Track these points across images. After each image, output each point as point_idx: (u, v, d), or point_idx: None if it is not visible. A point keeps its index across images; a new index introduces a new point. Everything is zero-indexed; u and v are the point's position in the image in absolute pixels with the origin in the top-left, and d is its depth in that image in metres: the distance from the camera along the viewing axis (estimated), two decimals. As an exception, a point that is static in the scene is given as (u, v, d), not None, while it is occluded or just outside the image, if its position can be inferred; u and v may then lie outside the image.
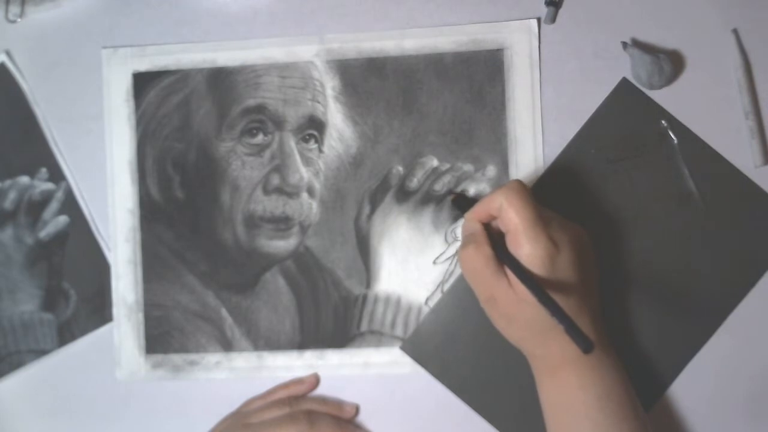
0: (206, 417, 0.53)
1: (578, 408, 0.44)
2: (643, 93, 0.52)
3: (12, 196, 0.56)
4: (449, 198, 0.52)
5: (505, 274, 0.43)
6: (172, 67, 0.55)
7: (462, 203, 0.50)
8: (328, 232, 0.54)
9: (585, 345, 0.37)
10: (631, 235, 0.51)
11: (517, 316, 0.44)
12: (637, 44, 0.52)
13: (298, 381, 0.53)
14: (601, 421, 0.44)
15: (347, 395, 0.53)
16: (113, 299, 0.55)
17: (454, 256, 0.53)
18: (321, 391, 0.54)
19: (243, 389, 0.54)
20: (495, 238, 0.44)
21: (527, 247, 0.42)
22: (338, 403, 0.53)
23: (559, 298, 0.41)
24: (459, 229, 0.53)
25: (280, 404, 0.52)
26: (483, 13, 0.53)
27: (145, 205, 0.55)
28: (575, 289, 0.43)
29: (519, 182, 0.44)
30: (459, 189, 0.53)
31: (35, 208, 0.56)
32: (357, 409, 0.53)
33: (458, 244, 0.53)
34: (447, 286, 0.52)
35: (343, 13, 0.54)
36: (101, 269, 0.55)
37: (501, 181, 0.52)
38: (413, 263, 0.53)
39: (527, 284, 0.40)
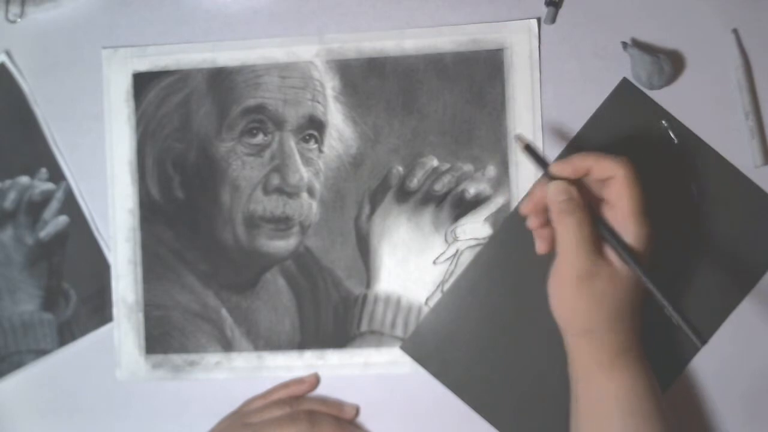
0: (206, 417, 0.53)
1: (626, 399, 0.43)
2: (643, 93, 0.52)
3: (12, 196, 0.56)
4: (519, 143, 0.47)
5: (604, 251, 0.42)
6: (172, 67, 0.55)
7: (536, 155, 0.46)
8: (328, 232, 0.54)
9: (701, 337, 0.37)
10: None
11: (607, 297, 0.42)
12: (637, 44, 0.52)
13: (298, 381, 0.53)
14: (651, 412, 0.43)
15: (347, 395, 0.53)
16: (113, 299, 0.55)
17: (454, 255, 0.53)
18: (321, 391, 0.54)
19: (243, 389, 0.54)
20: (591, 209, 0.43)
21: (634, 227, 0.42)
22: (339, 404, 0.53)
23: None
24: (459, 229, 0.53)
25: (280, 404, 0.52)
26: (483, 13, 0.53)
27: (145, 205, 0.55)
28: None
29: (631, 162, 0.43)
30: (459, 189, 0.53)
31: (35, 208, 0.56)
32: (357, 411, 0.53)
33: (458, 243, 0.53)
34: (447, 286, 0.52)
35: (343, 13, 0.54)
36: (101, 269, 0.55)
37: (501, 181, 0.52)
38: (413, 263, 0.53)
39: (633, 264, 0.40)
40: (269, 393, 0.53)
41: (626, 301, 0.42)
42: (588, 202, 0.44)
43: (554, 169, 0.44)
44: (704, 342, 0.37)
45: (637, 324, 0.44)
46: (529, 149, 0.46)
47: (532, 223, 0.46)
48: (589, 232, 0.42)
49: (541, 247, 0.46)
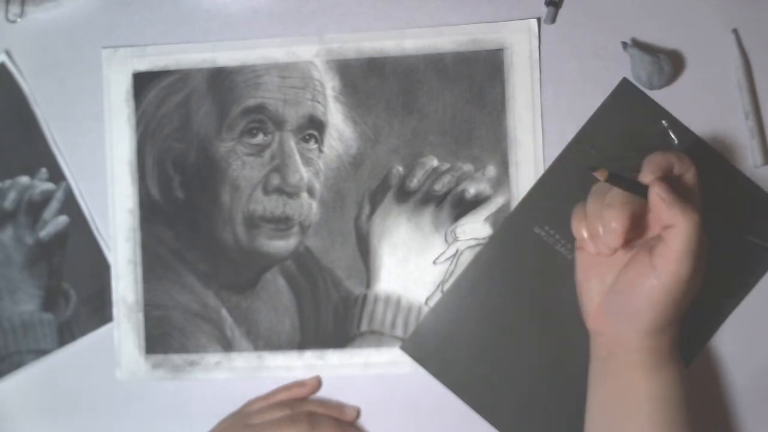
0: (206, 417, 0.53)
1: (675, 402, 0.44)
2: (643, 93, 0.52)
3: (12, 196, 0.56)
4: (600, 176, 0.42)
5: None
6: (172, 67, 0.55)
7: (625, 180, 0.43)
8: (328, 232, 0.54)
9: None
10: (631, 235, 0.51)
11: (693, 293, 0.43)
12: (637, 44, 0.52)
13: (299, 383, 0.53)
14: (689, 411, 0.44)
15: (347, 395, 0.53)
16: (113, 299, 0.55)
17: (454, 256, 0.53)
18: (321, 391, 0.54)
19: (243, 389, 0.54)
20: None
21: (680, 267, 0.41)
22: (339, 406, 0.53)
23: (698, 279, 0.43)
24: (459, 229, 0.53)
25: (281, 406, 0.52)
26: (483, 13, 0.53)
27: (145, 205, 0.55)
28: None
29: None
30: (459, 189, 0.53)
31: (35, 208, 0.56)
32: (358, 413, 0.53)
33: (458, 243, 0.53)
34: (447, 286, 0.52)
35: (343, 13, 0.54)
36: (101, 269, 0.55)
37: (501, 181, 0.52)
38: (413, 263, 0.53)
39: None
40: (270, 395, 0.53)
41: (673, 312, 0.43)
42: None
43: (654, 161, 0.43)
44: None
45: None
46: (615, 177, 0.42)
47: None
48: (703, 231, 0.41)
49: (614, 242, 0.42)
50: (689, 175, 0.44)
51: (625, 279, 0.43)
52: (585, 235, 0.43)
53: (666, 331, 0.44)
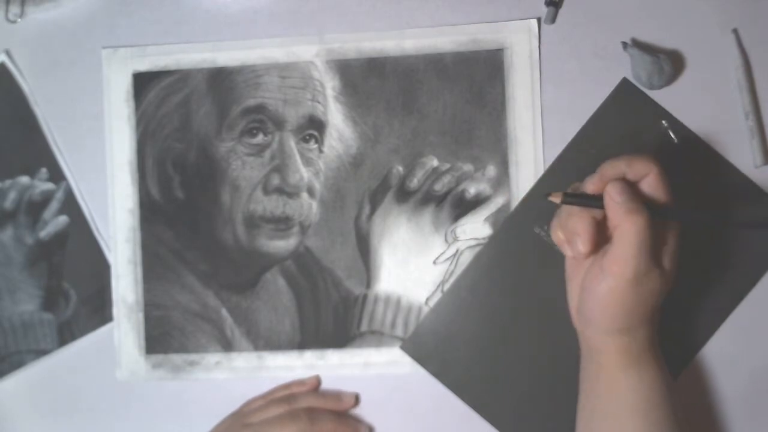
0: (206, 417, 0.53)
1: (654, 400, 0.44)
2: (643, 93, 0.52)
3: (12, 196, 0.56)
4: (555, 200, 0.44)
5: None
6: (172, 67, 0.55)
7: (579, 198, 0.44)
8: (328, 232, 0.54)
9: None
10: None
11: (655, 294, 0.43)
12: (637, 44, 0.52)
13: (299, 382, 0.53)
14: (669, 412, 0.44)
15: (347, 395, 0.53)
16: (113, 299, 0.55)
17: (454, 255, 0.53)
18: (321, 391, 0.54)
19: (243, 389, 0.54)
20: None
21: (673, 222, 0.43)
22: (336, 395, 0.53)
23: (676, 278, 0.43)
24: (459, 229, 0.53)
25: (278, 402, 0.52)
26: (483, 13, 0.53)
27: (145, 205, 0.55)
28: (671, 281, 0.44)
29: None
30: (459, 189, 0.53)
31: (35, 208, 0.56)
32: (357, 398, 0.53)
33: (458, 243, 0.53)
34: (447, 286, 0.52)
35: (343, 13, 0.54)
36: (101, 269, 0.55)
37: (501, 181, 0.52)
38: (413, 263, 0.53)
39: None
40: (269, 393, 0.53)
41: (662, 299, 0.43)
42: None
43: (607, 170, 0.44)
44: None
45: (658, 321, 0.46)
46: (569, 197, 0.44)
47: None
48: (652, 231, 0.41)
49: (581, 248, 0.43)
50: (651, 178, 0.43)
51: (585, 282, 0.44)
52: (562, 238, 0.44)
53: (632, 332, 0.44)
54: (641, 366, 0.44)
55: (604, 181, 0.43)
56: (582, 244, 0.43)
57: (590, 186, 0.43)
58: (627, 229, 0.41)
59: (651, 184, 0.43)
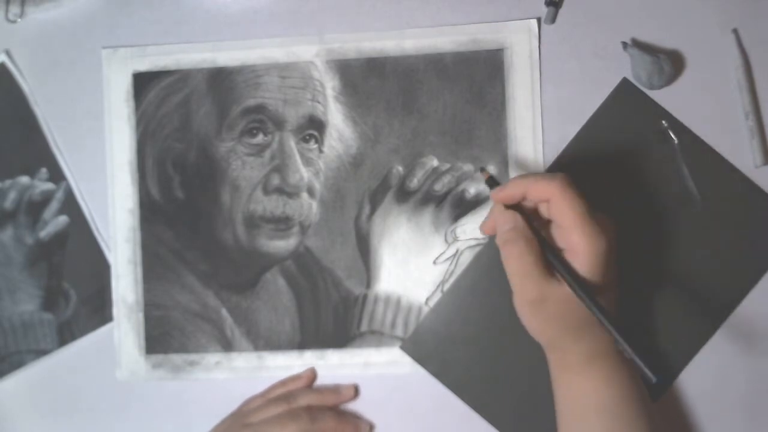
0: (206, 417, 0.53)
1: (606, 405, 0.44)
2: (643, 93, 0.52)
3: (12, 196, 0.56)
4: (482, 174, 0.49)
5: (555, 273, 0.42)
6: (172, 67, 0.55)
7: (495, 182, 0.47)
8: (328, 232, 0.54)
9: (655, 377, 0.36)
10: (631, 235, 0.51)
11: (565, 315, 0.42)
12: (637, 44, 0.52)
13: (295, 377, 0.53)
14: (626, 418, 0.43)
15: (347, 395, 0.53)
16: (113, 299, 0.55)
17: (454, 255, 0.53)
18: (321, 391, 0.54)
19: (243, 389, 0.54)
20: (539, 235, 0.43)
21: (582, 243, 0.41)
22: (335, 389, 0.53)
23: (604, 296, 0.41)
24: (459, 229, 0.53)
25: (278, 401, 0.52)
26: (483, 13, 0.53)
27: (145, 205, 0.55)
28: (616, 285, 0.43)
29: (568, 175, 0.42)
30: (459, 189, 0.53)
31: (35, 208, 0.56)
32: (356, 389, 0.53)
33: (458, 243, 0.53)
34: (447, 286, 0.52)
35: (343, 13, 0.54)
36: (101, 269, 0.55)
37: (501, 181, 0.52)
38: (413, 263, 0.53)
39: (584, 297, 0.40)
40: (267, 391, 0.53)
41: (581, 314, 0.42)
42: (540, 225, 0.44)
43: (492, 195, 0.45)
44: (658, 380, 0.37)
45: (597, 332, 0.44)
46: (492, 180, 0.47)
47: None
48: (533, 259, 0.41)
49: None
50: (550, 204, 0.42)
51: None
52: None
53: (560, 347, 0.45)
54: (586, 376, 0.44)
55: (508, 194, 0.44)
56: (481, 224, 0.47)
57: (498, 194, 0.44)
58: (505, 258, 0.42)
59: (555, 206, 0.42)
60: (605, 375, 0.44)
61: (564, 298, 0.41)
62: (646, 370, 0.37)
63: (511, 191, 0.44)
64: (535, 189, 0.42)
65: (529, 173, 0.44)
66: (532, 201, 0.44)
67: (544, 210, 0.44)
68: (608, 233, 0.42)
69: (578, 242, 0.41)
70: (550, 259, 0.42)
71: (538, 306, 0.42)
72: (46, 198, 0.56)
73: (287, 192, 0.54)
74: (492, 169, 0.52)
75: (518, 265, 0.42)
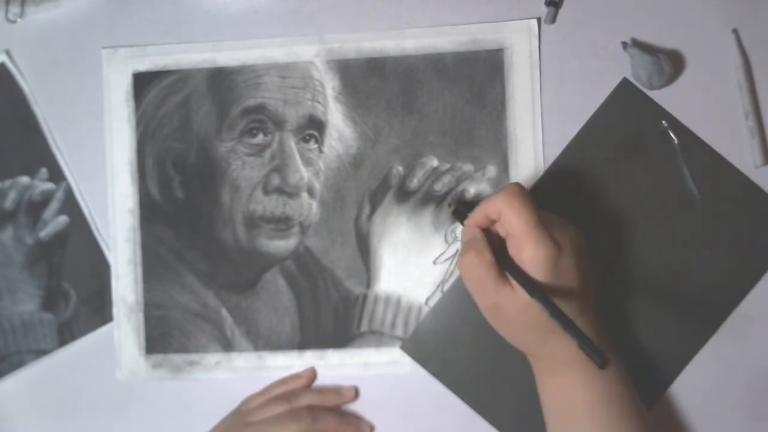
0: (206, 417, 0.53)
1: (580, 407, 0.44)
2: (643, 93, 0.52)
3: (12, 196, 0.56)
4: (449, 209, 0.51)
5: (508, 280, 0.43)
6: (172, 67, 0.55)
7: (461, 213, 0.49)
8: (328, 232, 0.54)
9: (600, 361, 0.37)
10: (631, 235, 0.51)
11: (522, 320, 0.43)
12: (637, 44, 0.52)
13: (295, 376, 0.53)
14: (603, 419, 0.44)
15: (347, 395, 0.53)
16: (113, 299, 0.55)
17: (454, 256, 0.53)
18: (321, 391, 0.54)
19: (243, 389, 0.54)
20: (496, 244, 0.44)
21: (530, 250, 0.41)
22: (336, 390, 0.53)
23: (562, 300, 0.41)
24: (459, 229, 0.53)
25: (279, 400, 0.52)
26: (483, 13, 0.53)
27: (145, 205, 0.55)
28: (577, 289, 0.43)
29: (518, 185, 0.44)
30: (459, 189, 0.53)
31: (35, 208, 0.56)
32: (356, 391, 0.53)
33: (458, 243, 0.53)
34: (447, 286, 0.52)
35: (343, 13, 0.54)
36: (101, 269, 0.55)
37: (501, 181, 0.52)
38: (413, 263, 0.53)
39: (536, 296, 0.40)
40: (267, 390, 0.53)
41: (542, 321, 0.42)
42: (497, 239, 0.45)
43: (466, 222, 0.46)
44: (603, 366, 0.37)
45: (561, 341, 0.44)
46: (455, 212, 0.50)
47: None
48: (483, 268, 0.42)
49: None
50: (503, 212, 0.43)
51: None
52: None
53: (532, 352, 0.46)
54: (560, 378, 0.45)
55: (474, 221, 0.45)
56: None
57: (467, 223, 0.46)
58: (459, 269, 0.44)
59: (505, 219, 0.43)
60: (578, 377, 0.44)
61: (520, 303, 0.42)
62: (593, 354, 0.37)
63: (475, 217, 0.45)
64: (491, 206, 0.44)
65: (485, 199, 0.45)
66: (496, 219, 0.45)
67: (499, 225, 0.45)
68: (565, 240, 0.42)
69: (524, 248, 0.42)
70: (501, 263, 0.43)
71: (494, 312, 0.44)
72: (46, 198, 0.56)
73: (287, 192, 0.54)
74: (492, 170, 0.52)
75: (469, 274, 0.44)
